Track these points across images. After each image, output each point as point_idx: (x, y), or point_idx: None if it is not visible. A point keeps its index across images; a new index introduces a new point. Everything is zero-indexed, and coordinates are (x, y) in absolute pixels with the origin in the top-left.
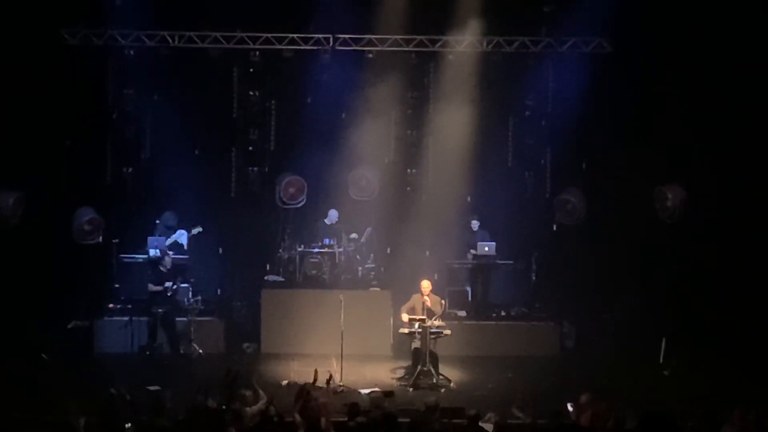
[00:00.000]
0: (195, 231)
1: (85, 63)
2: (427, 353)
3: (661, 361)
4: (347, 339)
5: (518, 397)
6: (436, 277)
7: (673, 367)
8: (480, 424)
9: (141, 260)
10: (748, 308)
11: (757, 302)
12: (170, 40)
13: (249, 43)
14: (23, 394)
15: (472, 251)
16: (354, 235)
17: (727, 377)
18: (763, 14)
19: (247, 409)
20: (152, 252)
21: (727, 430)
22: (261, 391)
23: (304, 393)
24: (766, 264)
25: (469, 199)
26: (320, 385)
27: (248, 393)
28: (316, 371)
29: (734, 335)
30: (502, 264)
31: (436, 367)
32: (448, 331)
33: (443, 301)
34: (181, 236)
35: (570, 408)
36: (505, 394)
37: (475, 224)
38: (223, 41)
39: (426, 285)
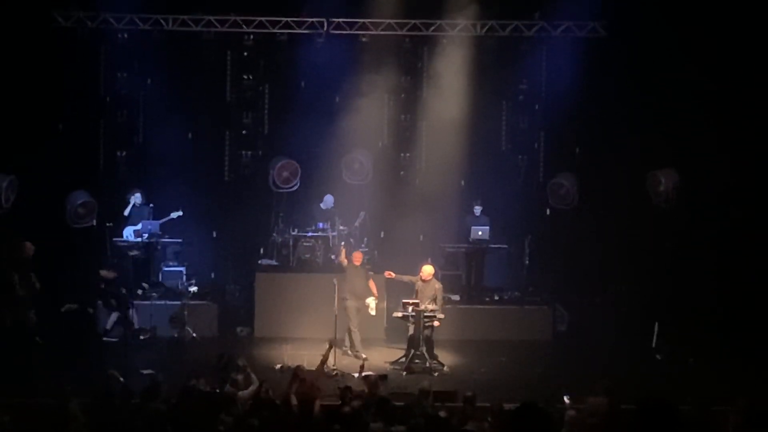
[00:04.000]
0: (175, 215)
1: (78, 46)
2: (421, 338)
3: (653, 345)
4: (341, 323)
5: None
6: (429, 260)
7: (666, 352)
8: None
9: (134, 243)
10: (741, 292)
11: (750, 286)
12: (164, 24)
13: (243, 27)
14: (17, 377)
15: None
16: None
17: (721, 362)
18: None
19: (240, 393)
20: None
21: (733, 418)
22: (253, 375)
23: (297, 376)
24: (759, 248)
25: (462, 183)
26: (311, 368)
27: (240, 377)
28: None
29: (727, 319)
30: (496, 248)
31: (430, 352)
32: (441, 315)
33: (437, 286)
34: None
35: (567, 401)
36: (498, 378)
37: (477, 209)
38: (217, 25)
39: (424, 270)
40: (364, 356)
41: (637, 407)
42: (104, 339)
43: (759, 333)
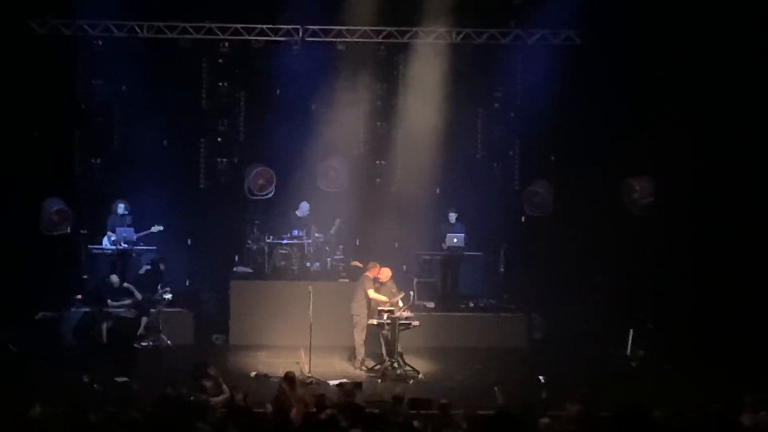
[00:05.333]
0: (155, 229)
1: (53, 53)
2: (397, 345)
3: (628, 352)
4: (316, 330)
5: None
6: (405, 268)
7: (640, 359)
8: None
9: (109, 251)
10: (716, 299)
11: (725, 293)
12: (139, 31)
13: (218, 34)
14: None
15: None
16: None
17: (695, 368)
18: (730, 6)
19: (212, 399)
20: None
21: (746, 418)
22: (224, 385)
23: (286, 383)
24: (733, 255)
25: (438, 191)
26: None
27: (209, 383)
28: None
29: (702, 326)
30: (471, 255)
31: (403, 359)
32: (416, 323)
33: (393, 290)
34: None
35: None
36: (473, 386)
37: (452, 216)
38: (192, 32)
39: (383, 272)
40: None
41: (611, 414)
42: (135, 345)
43: (734, 339)
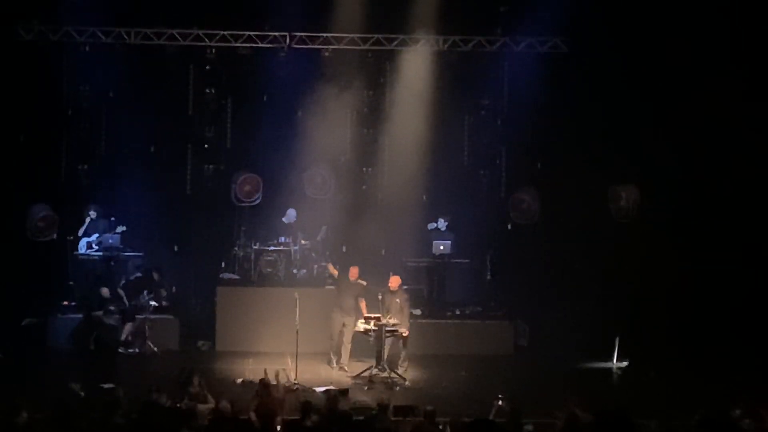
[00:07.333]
0: (118, 230)
1: (40, 59)
2: (383, 352)
3: (614, 359)
4: (302, 337)
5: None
6: (391, 275)
7: (627, 366)
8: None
9: (95, 257)
10: (701, 307)
11: (710, 301)
12: (126, 37)
13: (205, 41)
14: None
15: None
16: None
17: (680, 376)
18: (716, 15)
19: (199, 406)
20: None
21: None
22: (209, 395)
23: (262, 389)
24: (718, 263)
25: (424, 197)
26: (274, 382)
27: (193, 390)
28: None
29: (688, 334)
30: (458, 263)
31: (393, 364)
32: (404, 330)
33: (403, 297)
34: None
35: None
36: (459, 393)
37: (442, 223)
38: (180, 38)
39: (392, 280)
40: (347, 369)
41: (593, 419)
42: (120, 351)
43: (720, 347)
